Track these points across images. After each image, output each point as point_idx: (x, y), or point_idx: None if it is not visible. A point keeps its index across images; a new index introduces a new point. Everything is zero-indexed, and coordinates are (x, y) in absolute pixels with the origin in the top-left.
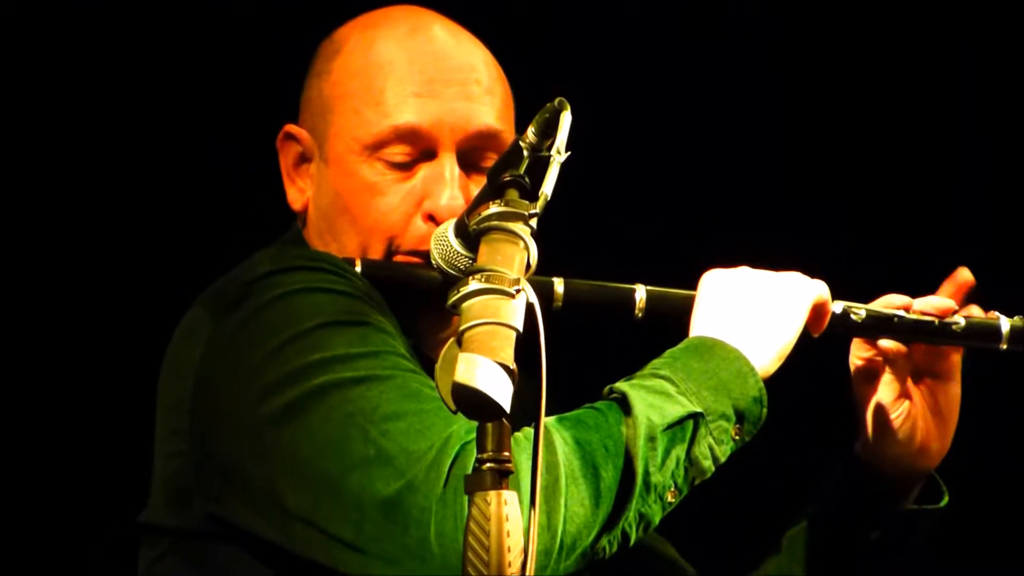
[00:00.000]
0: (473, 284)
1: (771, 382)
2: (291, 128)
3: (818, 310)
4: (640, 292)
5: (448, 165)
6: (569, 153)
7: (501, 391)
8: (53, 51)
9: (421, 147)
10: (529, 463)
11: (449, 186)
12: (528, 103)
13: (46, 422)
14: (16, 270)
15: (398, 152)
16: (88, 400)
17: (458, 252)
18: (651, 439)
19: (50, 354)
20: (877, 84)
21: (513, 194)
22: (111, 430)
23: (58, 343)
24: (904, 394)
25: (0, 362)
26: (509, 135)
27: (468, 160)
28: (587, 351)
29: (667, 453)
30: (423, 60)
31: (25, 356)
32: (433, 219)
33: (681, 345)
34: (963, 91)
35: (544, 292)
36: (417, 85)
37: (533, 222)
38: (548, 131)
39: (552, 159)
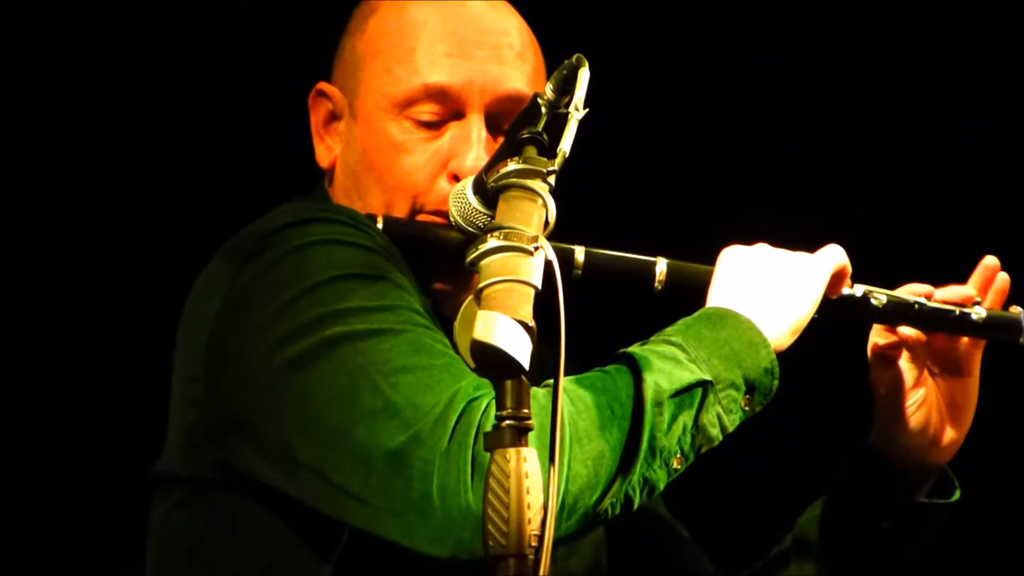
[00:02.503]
0: (491, 242)
1: (789, 366)
2: (323, 86)
3: (837, 276)
4: (660, 265)
5: (476, 126)
6: (587, 110)
7: (520, 348)
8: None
9: (450, 107)
10: (537, 421)
11: (475, 147)
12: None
13: (65, 373)
14: (32, 227)
15: (426, 111)
16: (106, 351)
17: (476, 209)
18: (658, 404)
19: (73, 310)
20: (902, 60)
21: (531, 151)
22: (129, 382)
23: (80, 298)
24: (921, 383)
25: (24, 314)
26: None
27: (496, 123)
28: (605, 322)
29: (674, 419)
30: (456, 22)
31: (47, 311)
32: (458, 179)
33: (695, 314)
34: (979, 68)
35: (565, 260)
36: (449, 45)
37: (551, 179)
38: (566, 88)
39: (570, 116)
